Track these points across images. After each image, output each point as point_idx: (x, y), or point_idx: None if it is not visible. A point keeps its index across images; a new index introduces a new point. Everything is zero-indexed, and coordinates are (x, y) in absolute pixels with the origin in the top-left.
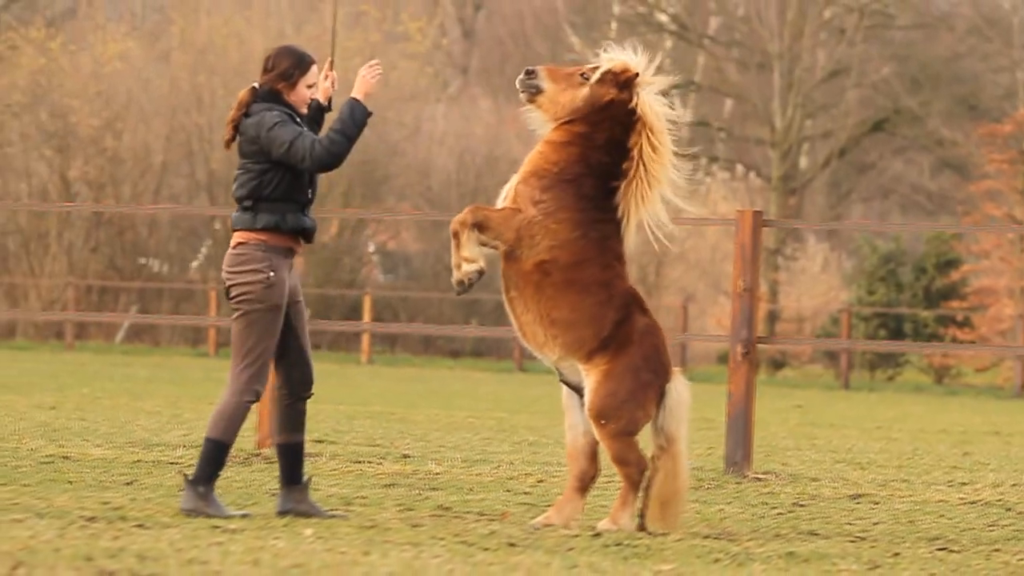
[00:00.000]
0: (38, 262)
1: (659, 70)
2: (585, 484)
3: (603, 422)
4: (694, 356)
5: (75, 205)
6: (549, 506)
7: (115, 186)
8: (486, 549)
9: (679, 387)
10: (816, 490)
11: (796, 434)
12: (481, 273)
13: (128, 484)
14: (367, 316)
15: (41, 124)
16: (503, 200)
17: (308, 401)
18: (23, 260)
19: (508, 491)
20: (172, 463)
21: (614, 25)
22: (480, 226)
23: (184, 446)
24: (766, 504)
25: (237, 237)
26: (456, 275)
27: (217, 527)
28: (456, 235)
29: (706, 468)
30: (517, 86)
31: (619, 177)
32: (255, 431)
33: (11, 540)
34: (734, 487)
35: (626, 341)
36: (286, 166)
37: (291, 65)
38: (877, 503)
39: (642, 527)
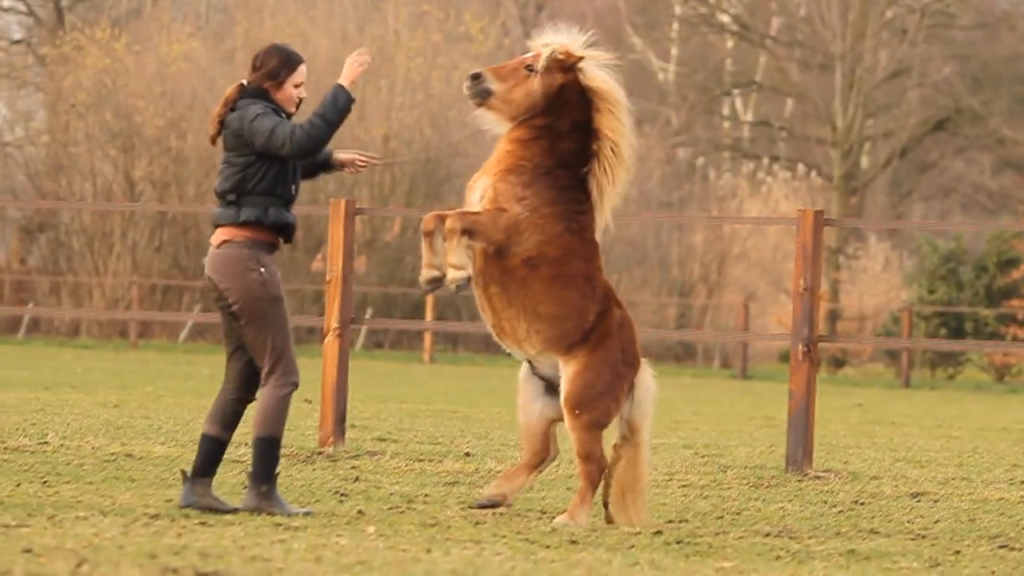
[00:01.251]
0: (102, 261)
1: (594, 45)
2: (538, 463)
3: (577, 412)
4: (755, 355)
5: (139, 205)
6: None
7: (179, 186)
8: (547, 547)
9: (646, 379)
10: (876, 488)
11: (857, 432)
12: (469, 280)
13: None
14: (429, 315)
15: (106, 124)
16: (480, 201)
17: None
18: (87, 259)
19: (569, 489)
20: (235, 461)
21: (676, 26)
22: (469, 232)
23: (246, 444)
24: (826, 502)
25: (221, 234)
26: (429, 274)
27: (280, 524)
28: (429, 235)
29: (767, 466)
30: (465, 92)
31: (589, 162)
32: (317, 429)
33: (75, 537)
34: (795, 485)
35: (606, 333)
36: (270, 160)
37: (278, 64)
38: (937, 501)
39: (609, 519)
